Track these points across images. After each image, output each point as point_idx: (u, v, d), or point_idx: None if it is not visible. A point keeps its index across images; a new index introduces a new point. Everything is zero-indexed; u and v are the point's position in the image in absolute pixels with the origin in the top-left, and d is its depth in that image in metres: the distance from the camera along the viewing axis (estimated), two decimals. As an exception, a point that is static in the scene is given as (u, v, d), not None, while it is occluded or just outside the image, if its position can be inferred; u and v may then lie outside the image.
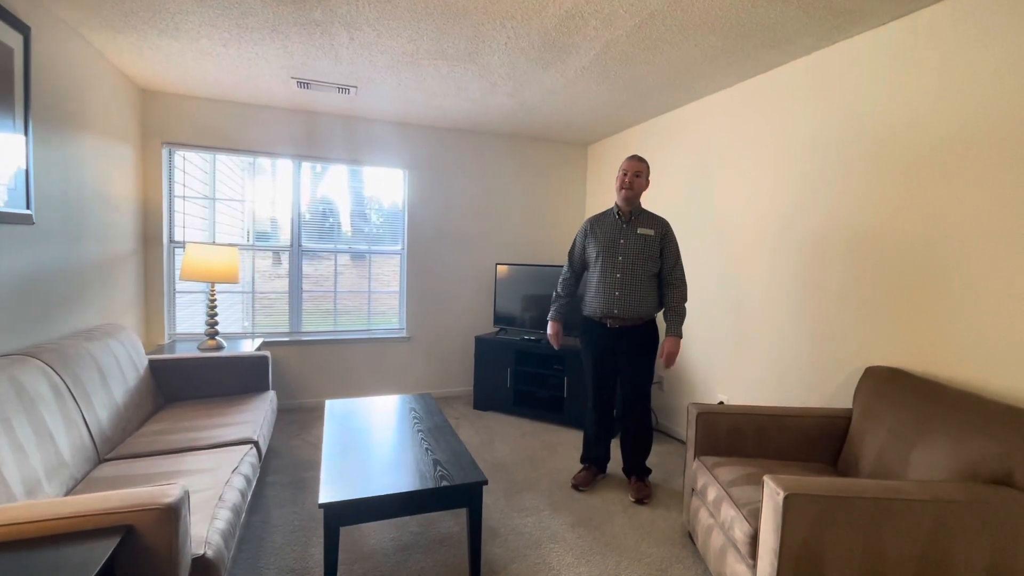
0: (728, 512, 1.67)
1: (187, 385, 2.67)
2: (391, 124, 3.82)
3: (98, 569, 1.00)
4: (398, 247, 4.03)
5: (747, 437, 2.03)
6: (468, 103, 3.29)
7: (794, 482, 1.37)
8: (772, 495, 1.37)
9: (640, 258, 2.44)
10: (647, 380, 2.54)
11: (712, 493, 1.82)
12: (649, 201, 3.58)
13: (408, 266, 3.99)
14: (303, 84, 2.98)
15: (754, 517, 1.54)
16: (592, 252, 2.55)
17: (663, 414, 3.51)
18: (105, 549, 1.05)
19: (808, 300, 2.45)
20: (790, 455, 2.01)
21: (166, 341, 3.39)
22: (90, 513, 1.11)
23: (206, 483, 1.70)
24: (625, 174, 2.45)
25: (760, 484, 1.71)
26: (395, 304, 4.09)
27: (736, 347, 2.89)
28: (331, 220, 3.87)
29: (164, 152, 3.32)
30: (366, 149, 3.78)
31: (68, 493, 1.65)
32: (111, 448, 2.01)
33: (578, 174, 4.47)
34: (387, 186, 4.00)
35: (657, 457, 3.01)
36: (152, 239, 3.30)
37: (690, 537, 2.14)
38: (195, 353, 2.79)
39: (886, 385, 1.90)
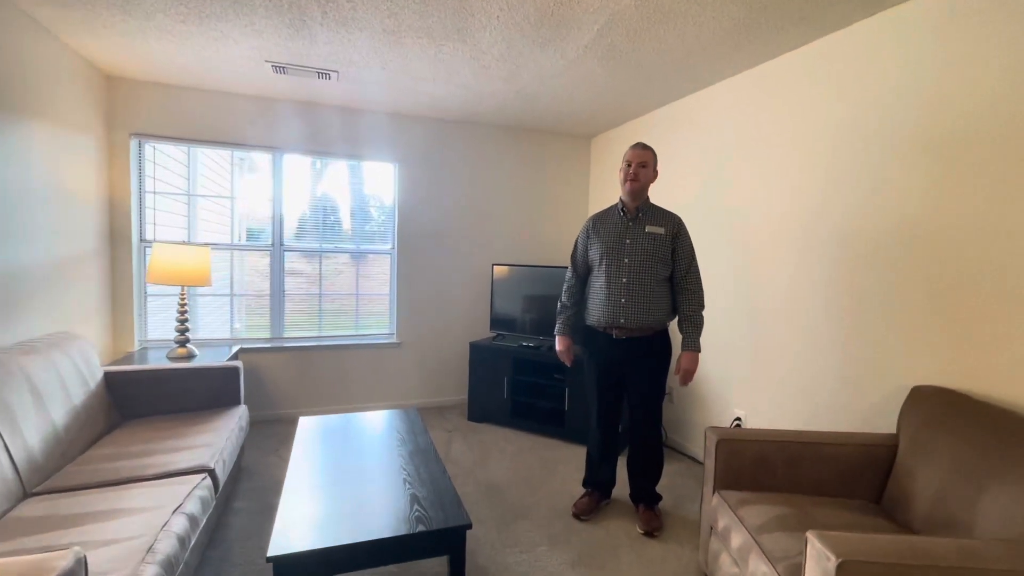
0: (759, 567, 1.40)
1: (148, 400, 2.42)
2: (379, 114, 3.56)
3: None
4: (388, 246, 3.77)
5: (775, 468, 1.75)
6: (461, 90, 3.01)
7: (847, 543, 1.09)
8: (820, 559, 1.10)
9: (649, 260, 2.16)
10: (658, 397, 2.26)
11: (737, 539, 1.54)
12: (657, 198, 3.30)
13: (399, 267, 3.73)
14: (279, 69, 2.71)
15: (793, 578, 1.27)
16: (595, 255, 2.27)
17: (673, 428, 3.23)
18: (-53, 652, 0.79)
19: (838, 306, 2.16)
20: (826, 490, 1.73)
21: (136, 348, 3.14)
22: (-66, 600, 0.85)
23: (138, 528, 1.44)
24: (629, 164, 2.17)
25: (797, 531, 1.43)
26: (385, 307, 3.82)
27: (755, 358, 2.61)
28: (321, 217, 3.61)
29: (133, 144, 3.06)
30: (353, 141, 3.51)
31: (-24, 539, 1.40)
32: (43, 478, 1.75)
33: (581, 168, 4.19)
34: (376, 181, 3.74)
35: (667, 479, 2.73)
36: (120, 238, 3.05)
37: (708, 581, 1.87)
38: (157, 364, 2.54)
39: (940, 410, 1.61)
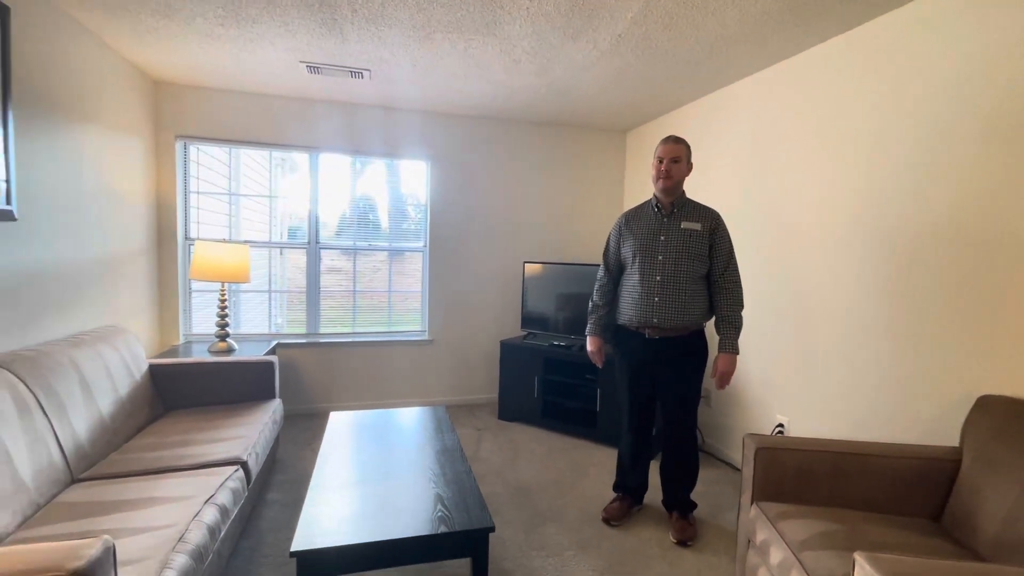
0: (800, 586, 1.30)
1: (189, 392, 2.51)
2: (411, 112, 3.57)
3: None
4: (420, 244, 3.79)
5: (820, 480, 1.63)
6: (491, 85, 2.98)
7: (903, 567, 0.99)
8: (869, 584, 1.00)
9: (685, 257, 2.07)
10: (693, 400, 2.16)
11: (777, 555, 1.45)
12: (694, 193, 3.18)
13: (431, 264, 3.74)
14: (313, 69, 2.75)
15: (839, 602, 1.17)
16: (628, 252, 2.19)
17: (711, 433, 3.10)
18: (-20, 634, 0.81)
19: (893, 308, 2.00)
20: (877, 505, 1.60)
21: (181, 342, 3.27)
22: (-31, 583, 0.88)
23: (172, 517, 1.48)
24: (661, 161, 2.08)
25: (844, 550, 1.33)
26: (417, 305, 3.85)
27: (800, 362, 2.46)
28: (359, 216, 3.66)
29: (178, 145, 3.19)
30: (386, 140, 3.54)
31: (25, 521, 1.47)
32: (89, 465, 1.84)
33: (615, 163, 4.09)
34: (412, 180, 3.76)
35: (703, 486, 2.62)
36: (166, 236, 3.19)
37: (745, 596, 1.77)
38: (198, 358, 2.63)
39: (1011, 422, 1.46)
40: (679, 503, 2.21)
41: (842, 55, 2.22)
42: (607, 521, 2.25)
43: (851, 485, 1.62)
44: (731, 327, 2.08)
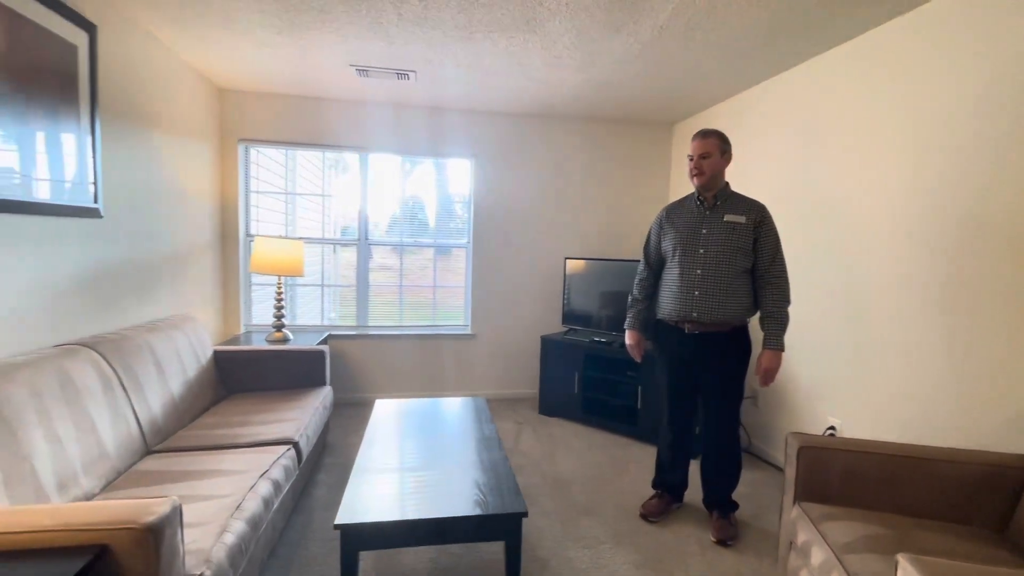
0: (841, 588, 1.25)
1: (248, 377, 2.69)
2: (455, 111, 3.65)
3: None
4: (464, 241, 3.87)
5: (869, 483, 1.56)
6: (533, 82, 3.01)
7: (949, 571, 0.94)
8: (912, 586, 0.96)
9: (727, 251, 2.02)
10: (735, 398, 2.11)
11: (818, 556, 1.40)
12: (744, 185, 3.08)
13: (474, 260, 3.81)
14: (362, 71, 2.88)
15: (881, 606, 1.12)
16: (668, 245, 2.16)
17: (757, 434, 3.00)
18: (67, 572, 0.93)
19: (958, 306, 1.87)
20: (934, 512, 1.51)
21: (241, 331, 3.51)
22: (61, 528, 1.01)
23: (230, 488, 1.61)
24: (691, 158, 2.06)
25: (891, 554, 1.27)
26: (461, 300, 3.93)
27: (854, 362, 2.34)
28: (407, 214, 3.79)
29: (240, 148, 3.42)
30: (432, 139, 3.64)
31: (108, 485, 1.64)
32: (161, 440, 2.02)
33: (661, 157, 4.01)
34: (455, 178, 3.85)
35: (748, 487, 2.55)
36: (229, 233, 3.43)
37: (787, 599, 1.71)
38: (256, 345, 2.82)
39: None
40: (720, 502, 2.17)
41: (905, 37, 2.09)
42: (645, 517, 2.23)
43: (905, 490, 1.53)
44: (776, 323, 2.01)
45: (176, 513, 1.12)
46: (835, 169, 2.45)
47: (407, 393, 3.79)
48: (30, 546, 0.99)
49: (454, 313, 3.94)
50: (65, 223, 1.92)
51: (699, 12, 2.09)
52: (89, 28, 2.01)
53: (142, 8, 2.21)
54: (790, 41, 2.36)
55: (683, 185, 3.81)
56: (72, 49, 1.92)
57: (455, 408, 2.43)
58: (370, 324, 3.79)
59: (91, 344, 1.87)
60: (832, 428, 2.45)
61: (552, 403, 3.56)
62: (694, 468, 2.60)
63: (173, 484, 1.63)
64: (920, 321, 2.02)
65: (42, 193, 1.80)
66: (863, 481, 1.56)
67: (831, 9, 2.05)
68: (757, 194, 2.97)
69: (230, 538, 1.36)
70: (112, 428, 1.74)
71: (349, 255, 3.77)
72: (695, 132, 3.58)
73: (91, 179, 2.06)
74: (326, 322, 3.78)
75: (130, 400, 1.89)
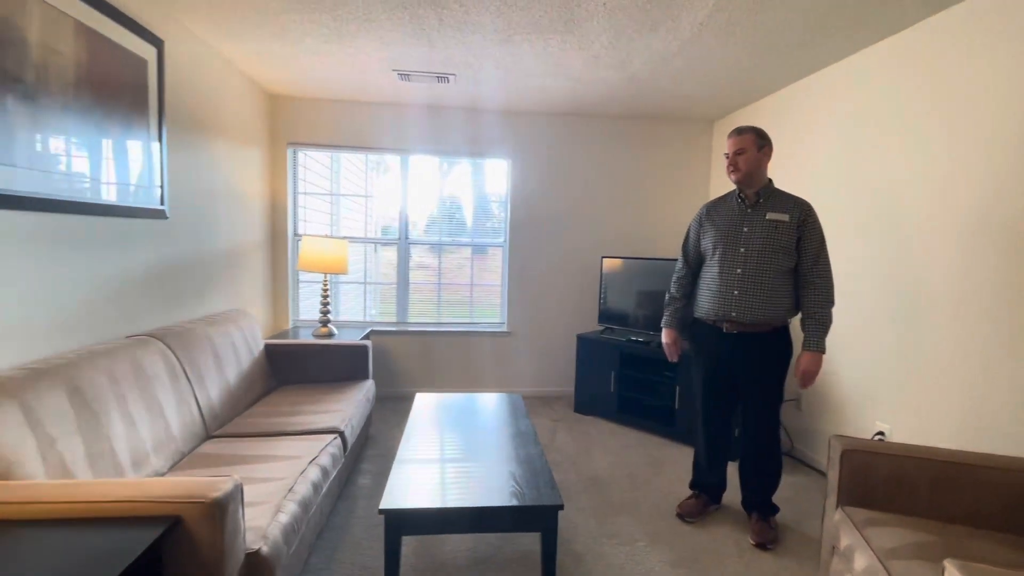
0: (885, 594, 1.23)
1: (296, 370, 2.84)
2: (493, 113, 3.71)
3: (136, 556, 0.98)
4: (500, 240, 3.93)
5: (918, 489, 1.51)
6: (570, 82, 3.03)
7: (999, 579, 0.92)
8: (959, 592, 0.94)
9: (768, 250, 1.98)
10: (774, 400, 2.07)
11: (862, 561, 1.37)
12: (791, 182, 3.00)
13: (510, 259, 3.86)
14: (404, 76, 2.98)
15: (927, 612, 1.10)
16: (708, 243, 2.15)
17: (800, 438, 2.92)
18: (149, 537, 1.03)
19: (1017, 310, 1.78)
20: (987, 522, 1.45)
21: (290, 326, 3.68)
22: (142, 499, 1.12)
23: (283, 471, 1.71)
24: (727, 155, 2.04)
25: (937, 562, 1.23)
26: (497, 298, 3.99)
27: (905, 364, 2.25)
28: (445, 214, 3.89)
29: (289, 152, 3.59)
30: (470, 140, 3.71)
31: (173, 466, 1.78)
32: (219, 425, 2.16)
33: (701, 155, 3.94)
34: (494, 178, 3.91)
35: (790, 491, 2.49)
36: (279, 233, 3.60)
37: (829, 605, 1.68)
38: (303, 340, 2.96)
39: None
40: (759, 505, 2.13)
41: (966, 25, 2.00)
42: (681, 517, 2.22)
43: (955, 497, 1.48)
44: (817, 324, 1.96)
45: (238, 491, 1.22)
46: (883, 166, 2.36)
47: (445, 388, 3.88)
48: (117, 514, 1.10)
49: (490, 311, 4.01)
50: (136, 224, 2.09)
51: (740, 9, 2.06)
52: (157, 43, 2.17)
53: (204, 23, 2.36)
54: (834, 36, 2.28)
55: (724, 183, 3.74)
56: (143, 63, 2.08)
57: (492, 403, 2.48)
58: (410, 321, 3.91)
59: (159, 336, 2.02)
60: (880, 433, 2.36)
61: (587, 401, 3.57)
62: (733, 470, 2.56)
63: (231, 467, 1.75)
64: (976, 325, 1.93)
65: (116, 197, 1.96)
66: (911, 487, 1.51)
67: (876, 3, 1.98)
68: (802, 191, 2.89)
69: (284, 518, 1.46)
70: (177, 413, 1.89)
71: (389, 254, 3.90)
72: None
73: (158, 183, 2.22)
74: (367, 318, 3.91)
75: (192, 388, 2.04)
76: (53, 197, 1.65)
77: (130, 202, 2.04)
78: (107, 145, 1.90)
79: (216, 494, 1.15)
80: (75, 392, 1.48)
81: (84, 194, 1.79)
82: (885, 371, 2.36)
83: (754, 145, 2.01)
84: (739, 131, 2.03)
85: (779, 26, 2.22)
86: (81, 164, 1.78)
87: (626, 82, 3.01)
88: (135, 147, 2.06)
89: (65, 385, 1.46)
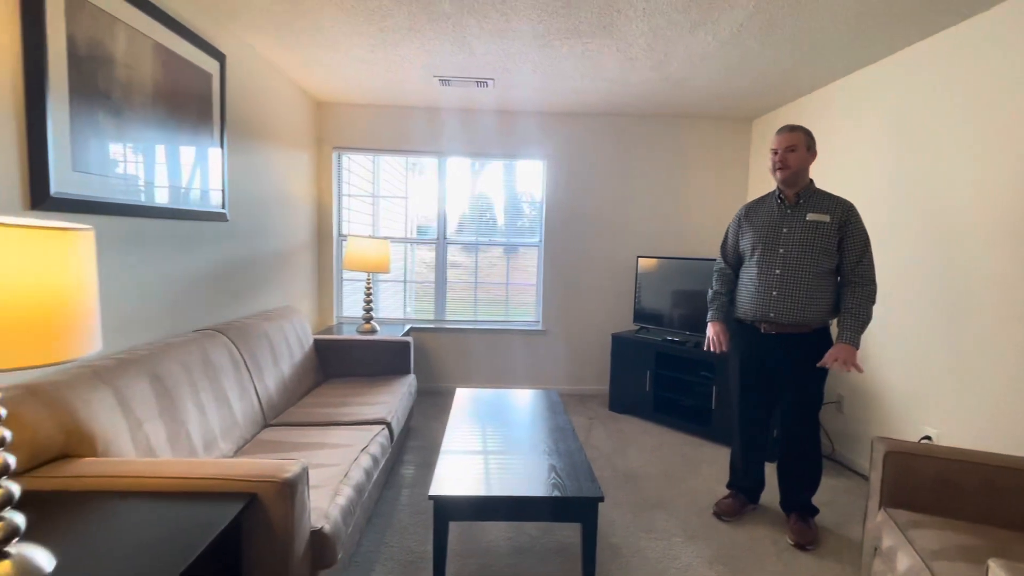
0: (928, 593, 1.24)
1: (342, 364, 2.98)
2: (529, 114, 3.77)
3: (222, 528, 1.09)
4: (535, 239, 3.99)
5: (965, 493, 1.50)
6: (607, 83, 3.06)
7: (1046, 579, 0.93)
8: (1004, 591, 0.95)
9: (809, 250, 1.98)
10: (813, 401, 2.06)
11: (904, 561, 1.37)
12: (832, 182, 2.95)
13: (545, 259, 3.92)
14: (444, 81, 3.07)
15: (971, 612, 1.11)
16: (747, 244, 2.15)
17: (843, 442, 2.88)
18: (231, 511, 1.15)
19: (1081, 309, 1.72)
20: (1039, 527, 1.43)
21: (334, 323, 3.85)
22: (223, 477, 1.24)
23: (338, 458, 1.83)
24: (775, 152, 2.01)
25: (982, 564, 1.23)
26: (532, 297, 4.06)
27: (955, 368, 2.20)
28: (478, 214, 3.98)
29: (334, 156, 3.75)
30: (506, 142, 3.79)
31: (238, 451, 1.92)
32: (276, 415, 2.31)
33: (739, 154, 3.90)
34: (528, 178, 3.98)
35: (831, 494, 2.47)
36: (324, 233, 3.77)
37: (870, 606, 1.68)
38: (349, 335, 3.10)
39: None
40: (798, 506, 2.13)
41: (1009, 24, 1.94)
42: (718, 516, 2.24)
43: (1006, 502, 1.46)
44: (855, 320, 1.94)
45: (304, 473, 1.33)
46: (934, 165, 2.30)
47: (480, 384, 3.97)
48: (202, 489, 1.22)
49: (525, 309, 4.08)
50: (202, 226, 2.25)
51: (780, 8, 2.06)
52: (220, 57, 2.33)
53: (261, 37, 2.52)
54: (881, 31, 2.24)
55: (763, 182, 3.69)
56: (208, 76, 2.24)
57: (531, 399, 2.55)
58: (447, 318, 4.02)
59: (222, 329, 2.18)
60: (927, 438, 2.31)
61: (623, 400, 3.60)
62: (771, 471, 2.56)
63: (291, 452, 1.88)
64: (1032, 326, 1.87)
65: (187, 201, 2.13)
66: (958, 491, 1.50)
67: (918, 2, 1.94)
68: (845, 190, 2.84)
69: (341, 500, 1.57)
70: (240, 402, 2.04)
71: (422, 253, 4.01)
72: (778, 127, 3.48)
73: (220, 187, 2.38)
74: (406, 315, 4.05)
75: (252, 379, 2.19)
76: (135, 203, 1.82)
77: (198, 206, 2.20)
78: (179, 153, 2.06)
79: (287, 475, 1.26)
80: (156, 380, 1.63)
81: (161, 200, 1.96)
82: (933, 375, 2.30)
83: (804, 144, 2.00)
84: (790, 128, 2.02)
85: (820, 26, 2.20)
86: (158, 172, 1.94)
87: (663, 82, 3.02)
88: (202, 154, 2.22)
89: (148, 374, 1.61)
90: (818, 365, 1.99)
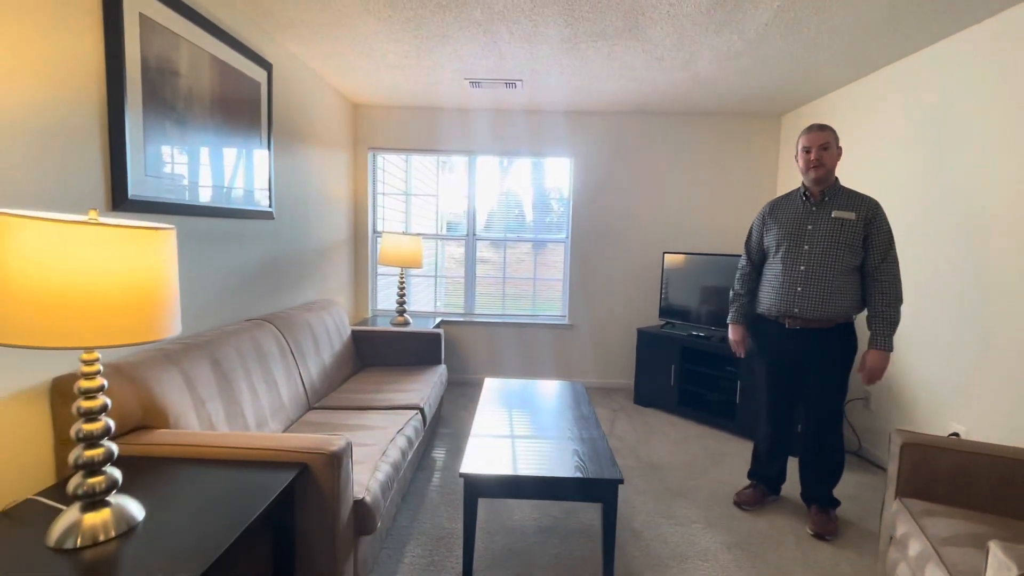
0: (936, 576, 1.29)
1: (377, 353, 3.15)
2: (556, 114, 3.85)
3: (279, 492, 1.24)
4: (563, 235, 4.08)
5: (981, 485, 1.52)
6: (634, 83, 3.11)
7: (1042, 559, 0.98)
8: (1000, 569, 1.01)
9: (834, 247, 2.01)
10: (837, 395, 2.10)
11: (915, 547, 1.42)
12: (861, 177, 2.94)
13: (572, 255, 4.01)
14: (475, 83, 3.19)
15: (974, 592, 1.16)
16: (771, 242, 2.19)
17: (869, 438, 2.87)
18: (286, 478, 1.30)
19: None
20: (1057, 520, 1.45)
21: (369, 315, 4.04)
22: (279, 449, 1.39)
23: (376, 439, 1.98)
24: (808, 151, 2.04)
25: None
26: (559, 292, 4.15)
27: (984, 365, 2.19)
28: (507, 211, 4.10)
29: (369, 156, 3.92)
30: (534, 141, 3.88)
31: (285, 430, 2.10)
32: (318, 399, 2.48)
33: (768, 150, 3.89)
34: (555, 176, 4.07)
35: (855, 489, 2.49)
36: (360, 230, 3.95)
37: (886, 594, 1.72)
38: (383, 327, 3.26)
39: None
40: (819, 497, 2.17)
41: (1052, 12, 1.91)
42: (739, 505, 2.30)
43: (1020, 494, 1.48)
44: (885, 323, 1.97)
45: (349, 448, 1.47)
46: (964, 160, 2.28)
47: (508, 376, 4.10)
48: (260, 458, 1.38)
49: (552, 304, 4.17)
50: (251, 224, 2.44)
51: (806, 7, 2.08)
52: (267, 67, 2.51)
53: (304, 46, 2.69)
54: (915, 24, 2.24)
55: (792, 178, 3.67)
56: (257, 85, 2.42)
57: (556, 389, 2.65)
58: (476, 312, 4.15)
59: (269, 319, 2.36)
60: (955, 434, 2.31)
61: (647, 394, 3.66)
62: (792, 464, 2.59)
63: (334, 432, 2.04)
64: (1062, 323, 1.86)
65: (240, 201, 2.31)
66: (973, 483, 1.53)
67: (960, -10, 1.94)
68: (875, 185, 2.83)
69: (380, 475, 1.71)
70: (287, 386, 2.21)
71: (451, 248, 4.15)
72: (808, 125, 3.46)
73: (267, 187, 2.57)
74: (437, 308, 4.20)
75: (297, 366, 2.36)
76: (194, 203, 2.00)
77: (248, 205, 2.38)
78: (232, 157, 2.24)
79: (334, 448, 1.40)
80: (215, 364, 1.81)
81: (216, 200, 2.14)
82: (960, 370, 2.30)
83: (835, 140, 2.04)
84: (820, 127, 2.04)
85: (847, 22, 2.21)
86: (214, 175, 2.12)
87: (690, 81, 3.06)
88: (251, 157, 2.40)
89: (208, 357, 1.79)
90: (858, 372, 2.03)
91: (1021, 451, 1.51)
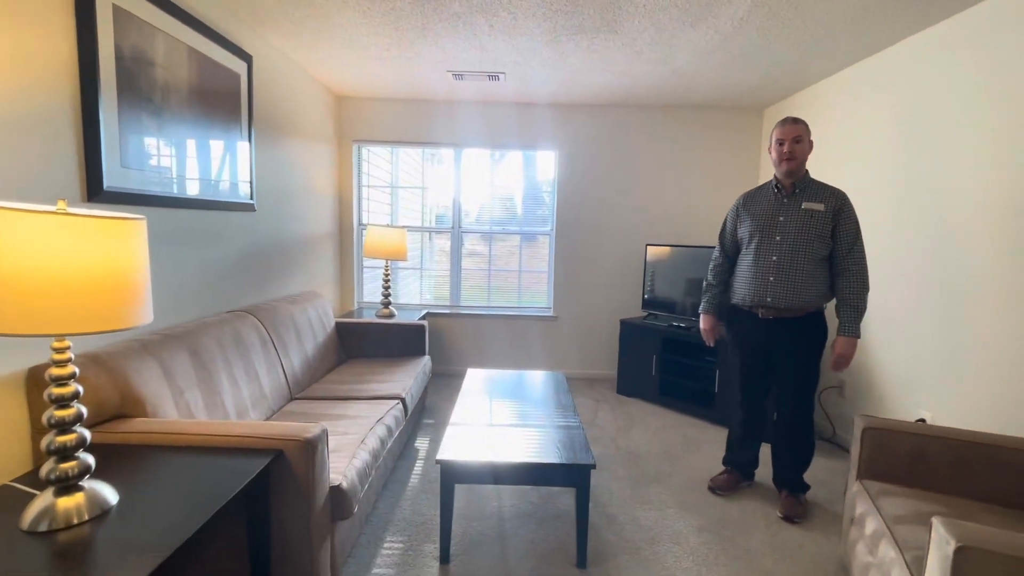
0: (887, 553, 1.35)
1: (361, 345, 3.17)
2: (542, 106, 3.87)
3: (253, 476, 1.27)
4: (547, 228, 4.11)
5: (936, 467, 1.59)
6: (615, 76, 3.14)
7: (974, 531, 1.03)
8: (941, 543, 1.06)
9: (804, 238, 2.06)
10: (808, 382, 2.16)
11: (871, 525, 1.48)
12: (840, 169, 2.99)
13: (557, 247, 4.04)
14: (458, 76, 3.20)
15: (918, 567, 1.21)
16: (744, 232, 2.24)
17: (843, 425, 2.95)
18: (260, 463, 1.33)
19: (1066, 295, 1.77)
20: (1004, 499, 1.51)
21: (355, 307, 4.05)
22: (254, 436, 1.42)
23: (356, 428, 2.01)
24: (782, 143, 2.08)
25: (941, 527, 1.33)
26: (544, 284, 4.19)
27: (948, 352, 2.25)
28: (495, 204, 4.12)
29: (354, 148, 3.92)
30: (519, 133, 3.90)
31: (266, 420, 2.12)
32: (300, 390, 2.51)
33: (750, 143, 3.93)
34: (540, 169, 4.09)
35: (826, 474, 2.56)
36: (345, 223, 3.96)
37: (847, 574, 1.78)
38: (368, 319, 3.29)
39: None
40: (789, 481, 2.23)
41: (1018, 12, 1.96)
42: (713, 490, 2.36)
43: (973, 476, 1.55)
44: (852, 310, 2.03)
45: (324, 435, 1.50)
46: (939, 151, 2.34)
47: (492, 366, 4.13)
48: (236, 445, 1.40)
49: (538, 297, 4.21)
50: (232, 216, 2.44)
51: (780, 2, 2.11)
52: (247, 58, 2.50)
53: (285, 38, 2.68)
54: (889, 17, 2.28)
55: (773, 170, 3.72)
56: (236, 76, 2.42)
57: (537, 380, 2.70)
58: (462, 304, 4.18)
59: (251, 311, 2.38)
60: (922, 420, 2.38)
61: (630, 384, 3.71)
62: (766, 450, 2.65)
63: (314, 422, 2.07)
64: (1022, 312, 1.92)
65: (220, 193, 2.31)
66: (929, 465, 1.59)
67: (928, -13, 1.98)
68: (854, 177, 2.88)
69: (357, 463, 1.74)
70: (268, 377, 2.23)
71: (441, 241, 4.18)
72: (782, 118, 3.51)
73: (249, 179, 2.57)
74: (423, 301, 4.22)
75: (279, 357, 2.39)
76: (173, 195, 2.01)
77: (229, 197, 2.39)
78: (211, 149, 2.25)
79: (309, 434, 1.43)
80: (194, 354, 1.83)
81: (195, 192, 2.15)
82: (928, 359, 2.36)
83: (807, 133, 2.08)
84: (794, 120, 2.09)
85: (822, 17, 2.24)
86: (192, 166, 2.13)
87: (671, 74, 3.09)
88: (232, 149, 2.41)
89: (187, 348, 1.81)
90: (831, 369, 2.09)
91: (976, 434, 1.58)
